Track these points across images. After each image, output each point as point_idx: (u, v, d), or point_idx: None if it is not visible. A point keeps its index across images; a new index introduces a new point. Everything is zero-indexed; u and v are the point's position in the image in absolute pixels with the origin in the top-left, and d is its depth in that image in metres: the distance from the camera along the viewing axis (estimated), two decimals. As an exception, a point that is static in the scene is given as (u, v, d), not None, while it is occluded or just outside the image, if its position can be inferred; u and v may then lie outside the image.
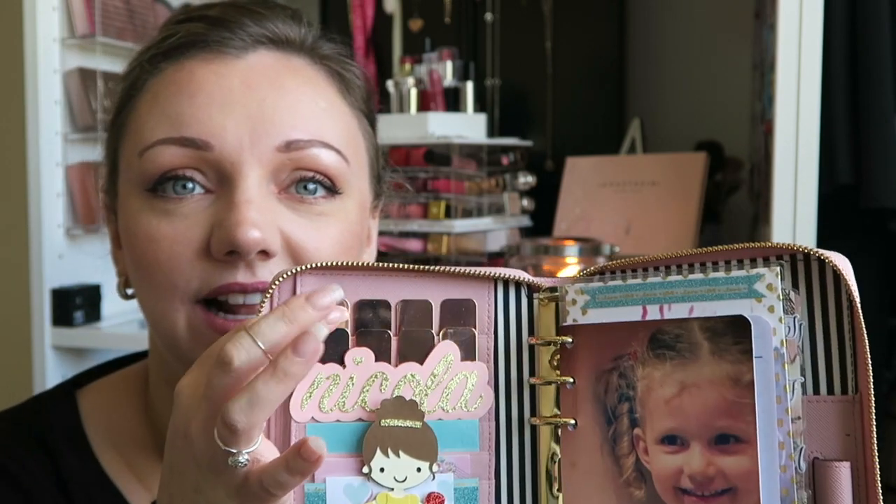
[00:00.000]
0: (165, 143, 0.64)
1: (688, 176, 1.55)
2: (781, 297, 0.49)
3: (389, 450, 0.54)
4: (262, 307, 0.53)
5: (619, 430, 0.52)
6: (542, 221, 1.60)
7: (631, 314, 0.52)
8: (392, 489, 0.53)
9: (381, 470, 0.53)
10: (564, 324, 0.55)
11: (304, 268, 0.54)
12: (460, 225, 1.40)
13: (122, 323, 1.53)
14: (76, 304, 1.48)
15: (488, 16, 1.84)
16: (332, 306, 0.51)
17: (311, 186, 0.66)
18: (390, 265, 0.55)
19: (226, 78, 0.65)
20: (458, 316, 0.56)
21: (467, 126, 1.49)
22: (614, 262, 0.56)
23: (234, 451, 0.48)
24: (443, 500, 0.54)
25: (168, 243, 0.63)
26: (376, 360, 0.54)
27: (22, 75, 1.45)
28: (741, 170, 1.87)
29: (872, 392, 0.46)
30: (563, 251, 1.34)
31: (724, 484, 0.48)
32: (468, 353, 0.55)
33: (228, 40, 0.66)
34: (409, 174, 1.42)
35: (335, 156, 0.67)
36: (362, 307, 0.55)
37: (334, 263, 0.55)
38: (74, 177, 1.52)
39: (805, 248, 0.50)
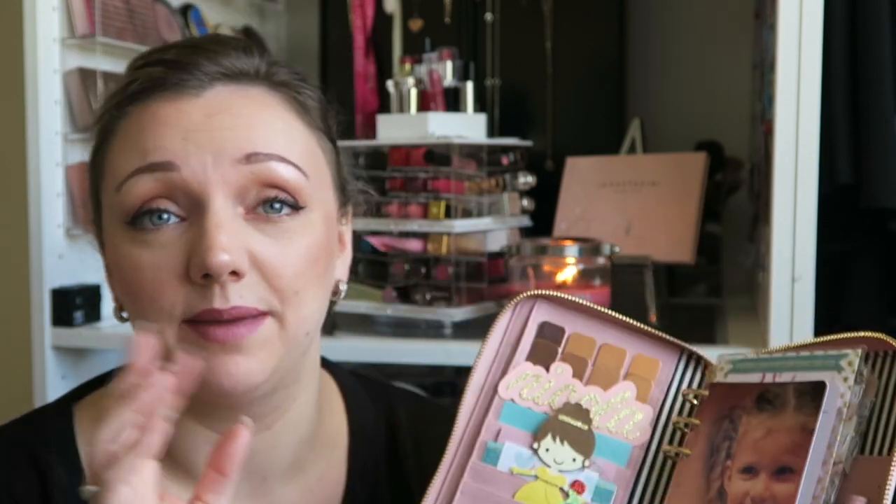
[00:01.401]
0: (137, 173, 0.69)
1: (688, 176, 1.55)
2: (855, 371, 0.62)
3: (558, 437, 0.69)
4: (500, 318, 0.72)
5: (717, 461, 0.65)
6: (542, 221, 1.60)
7: (754, 378, 0.67)
8: (549, 466, 0.68)
9: (547, 450, 0.68)
10: (710, 382, 0.70)
11: (541, 293, 0.73)
12: (460, 225, 1.40)
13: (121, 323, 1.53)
14: (76, 304, 1.48)
15: (488, 16, 1.84)
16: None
17: (276, 206, 0.70)
18: (606, 312, 0.72)
19: (187, 113, 0.70)
20: (644, 369, 0.71)
21: (467, 126, 1.49)
22: (769, 350, 0.71)
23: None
24: (584, 488, 0.67)
25: (151, 271, 0.69)
26: (572, 376, 0.71)
27: (22, 75, 1.45)
28: (741, 170, 1.87)
29: None
30: (563, 251, 1.34)
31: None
32: (643, 396, 0.71)
33: (186, 81, 0.71)
34: (409, 174, 1.42)
35: (294, 170, 0.71)
36: (575, 337, 0.72)
37: (569, 299, 0.72)
38: (74, 177, 1.51)
39: (893, 346, 0.64)
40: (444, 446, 0.73)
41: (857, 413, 0.62)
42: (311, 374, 0.79)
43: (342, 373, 0.88)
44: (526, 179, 1.52)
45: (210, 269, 0.66)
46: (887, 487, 0.56)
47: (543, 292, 0.73)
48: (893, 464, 0.57)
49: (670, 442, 0.69)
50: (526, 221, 1.55)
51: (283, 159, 0.71)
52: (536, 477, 0.67)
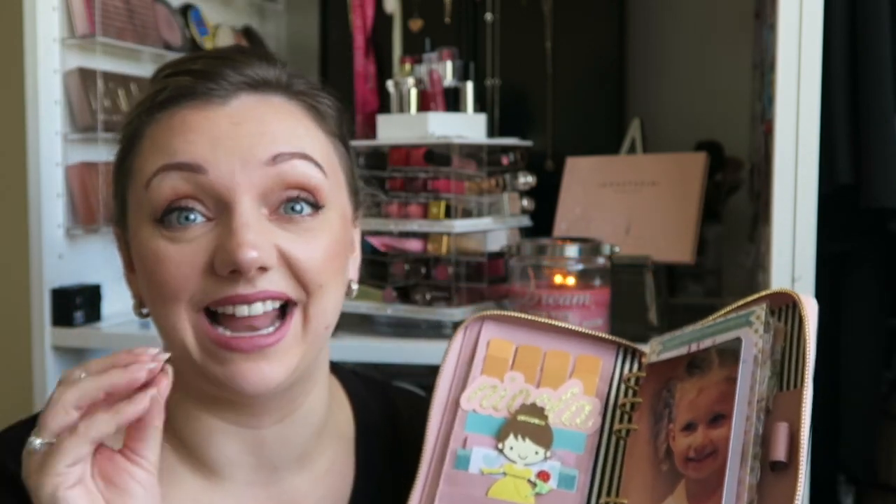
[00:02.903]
0: (164, 169, 0.73)
1: (688, 176, 1.55)
2: (763, 322, 0.71)
3: (520, 436, 0.75)
4: (453, 341, 0.81)
5: (661, 427, 0.72)
6: (542, 221, 1.60)
7: (681, 351, 0.75)
8: (515, 462, 0.75)
9: (511, 448, 0.75)
10: (646, 363, 0.79)
11: (487, 314, 0.81)
12: (460, 225, 1.40)
13: (122, 323, 1.53)
14: (76, 304, 1.48)
15: (488, 16, 1.84)
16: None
17: (297, 206, 0.75)
18: (548, 322, 0.81)
19: (214, 121, 0.74)
20: (587, 367, 0.79)
21: (467, 126, 1.49)
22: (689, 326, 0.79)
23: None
24: (549, 477, 0.74)
25: (175, 264, 0.72)
26: (525, 381, 0.78)
27: (22, 75, 1.45)
28: (741, 170, 1.87)
29: (808, 387, 0.67)
30: (562, 251, 1.34)
31: (712, 448, 0.67)
32: (590, 390, 0.79)
33: (213, 90, 0.75)
34: (409, 174, 1.42)
35: (315, 168, 0.75)
36: (523, 349, 0.80)
37: (512, 316, 0.81)
38: (74, 177, 1.52)
39: (788, 294, 0.72)
40: None
41: (770, 357, 0.70)
42: (322, 371, 0.84)
43: (344, 372, 0.93)
44: (526, 179, 1.52)
45: (239, 265, 0.70)
46: (803, 411, 0.65)
47: (489, 313, 0.82)
48: (804, 392, 0.66)
49: (620, 423, 0.77)
50: (526, 221, 1.55)
51: (305, 157, 0.75)
52: (505, 473, 0.74)
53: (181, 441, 0.80)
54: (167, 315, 0.74)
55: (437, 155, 1.40)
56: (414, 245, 1.43)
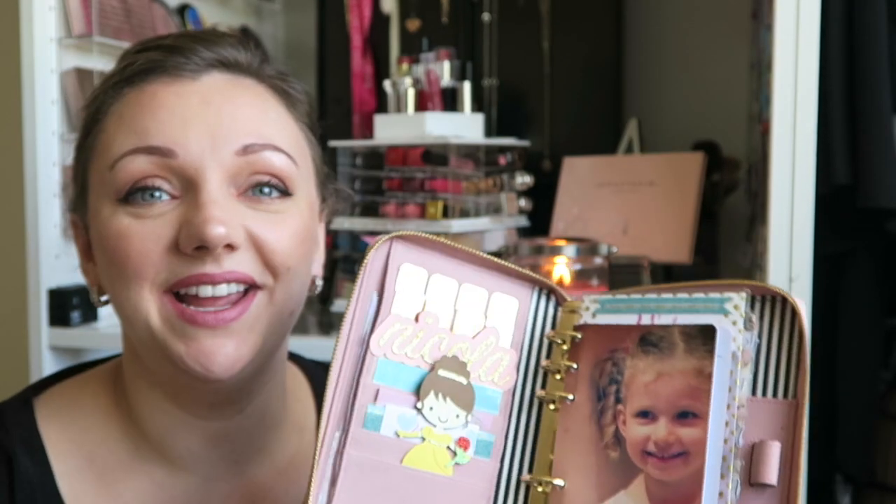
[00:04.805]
0: (133, 153, 0.71)
1: (685, 176, 1.55)
2: (743, 316, 0.64)
3: (441, 395, 0.66)
4: (362, 269, 0.68)
5: (606, 406, 0.65)
6: (539, 221, 1.60)
7: (629, 320, 0.67)
8: (435, 426, 0.65)
9: (431, 409, 0.66)
10: (578, 324, 0.69)
11: (397, 234, 0.69)
12: (458, 225, 1.40)
13: (118, 323, 1.53)
14: (73, 304, 1.48)
15: (486, 16, 1.84)
16: None
17: (266, 190, 0.73)
18: (461, 248, 0.70)
19: (184, 97, 0.72)
20: (503, 310, 0.70)
21: (465, 126, 1.49)
22: (626, 289, 0.70)
23: None
24: (469, 444, 0.66)
25: (139, 239, 0.70)
26: (440, 322, 0.68)
27: (19, 75, 1.45)
28: (738, 170, 1.87)
29: (807, 399, 0.60)
30: (560, 251, 1.34)
31: (680, 448, 0.61)
32: (506, 340, 0.69)
33: (184, 65, 0.74)
34: (406, 174, 1.42)
35: (286, 159, 0.74)
36: (434, 280, 0.69)
37: (425, 237, 0.69)
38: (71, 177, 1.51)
39: (777, 291, 0.64)
40: None
41: (751, 358, 0.63)
42: (280, 362, 0.82)
43: (307, 362, 0.92)
44: (523, 179, 1.52)
45: (206, 241, 0.68)
46: (801, 429, 0.59)
47: (400, 233, 0.70)
48: (801, 405, 0.60)
49: (543, 385, 0.68)
50: (523, 221, 1.55)
51: (276, 148, 0.74)
52: (423, 438, 0.65)
53: (145, 434, 0.79)
54: (129, 296, 0.71)
55: (435, 155, 1.40)
56: (411, 245, 1.43)
